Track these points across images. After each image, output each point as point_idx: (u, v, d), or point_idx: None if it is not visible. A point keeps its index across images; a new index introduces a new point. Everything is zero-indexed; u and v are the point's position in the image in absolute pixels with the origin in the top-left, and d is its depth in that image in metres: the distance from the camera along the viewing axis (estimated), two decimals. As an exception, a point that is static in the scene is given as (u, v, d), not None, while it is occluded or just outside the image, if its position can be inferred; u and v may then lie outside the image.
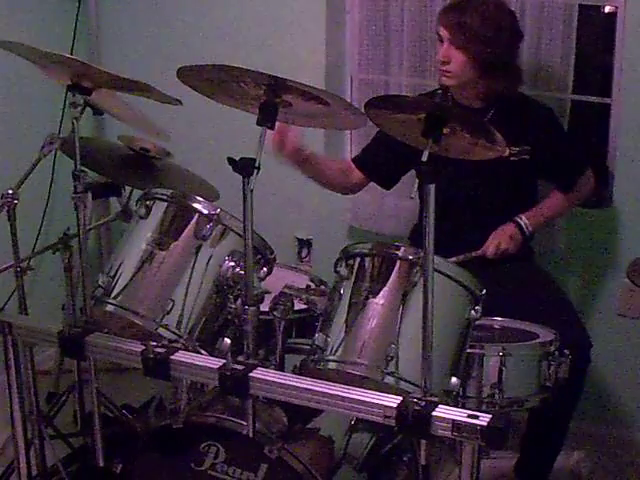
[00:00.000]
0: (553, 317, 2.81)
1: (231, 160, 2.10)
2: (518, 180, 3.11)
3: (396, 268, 2.26)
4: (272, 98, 2.15)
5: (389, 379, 2.18)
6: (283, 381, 2.13)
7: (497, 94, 3.08)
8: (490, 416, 1.97)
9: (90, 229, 2.88)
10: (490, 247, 3.03)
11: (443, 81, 3.06)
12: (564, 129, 3.32)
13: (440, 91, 3.06)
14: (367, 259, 2.31)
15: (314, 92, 2.13)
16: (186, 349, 2.31)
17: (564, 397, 2.72)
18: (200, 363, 2.21)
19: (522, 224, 3.08)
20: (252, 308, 2.18)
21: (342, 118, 2.30)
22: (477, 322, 2.33)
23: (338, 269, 2.33)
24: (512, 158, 3.02)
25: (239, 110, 2.30)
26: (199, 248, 2.41)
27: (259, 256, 2.41)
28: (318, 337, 2.27)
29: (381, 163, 3.25)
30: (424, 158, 2.00)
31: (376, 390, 2.08)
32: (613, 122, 3.42)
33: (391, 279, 2.26)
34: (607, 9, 3.41)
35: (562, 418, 2.99)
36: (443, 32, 3.02)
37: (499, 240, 3.04)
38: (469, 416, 1.97)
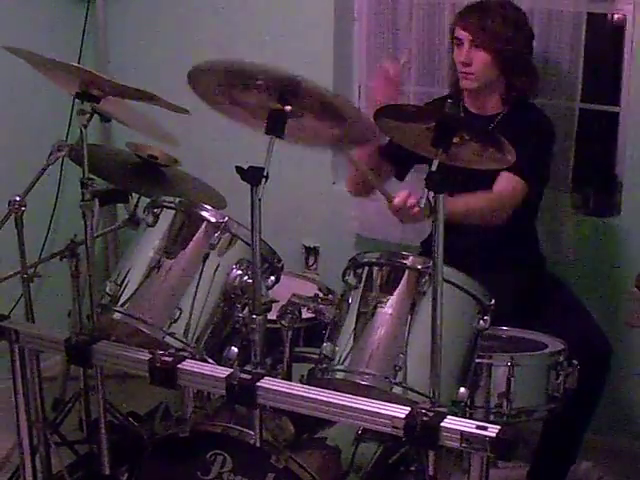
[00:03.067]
0: (569, 324, 2.79)
1: (239, 169, 2.09)
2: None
3: (405, 277, 2.26)
4: (282, 104, 2.14)
5: (397, 389, 2.18)
6: (291, 391, 2.12)
7: (513, 98, 3.09)
8: (499, 427, 1.96)
9: (97, 236, 2.87)
10: (398, 199, 2.75)
11: (465, 84, 3.07)
12: (551, 141, 3.18)
13: (449, 101, 3.04)
14: (376, 268, 2.31)
15: (326, 94, 2.12)
16: (193, 358, 2.30)
17: (582, 405, 2.71)
18: (207, 372, 2.20)
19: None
20: (260, 317, 2.18)
21: (352, 131, 2.29)
22: (485, 332, 2.32)
23: (346, 278, 2.32)
24: None
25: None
26: (207, 256, 2.41)
27: (267, 264, 2.41)
28: (326, 346, 2.26)
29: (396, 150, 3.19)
30: (434, 168, 1.99)
31: (384, 400, 2.07)
32: (621, 131, 3.41)
33: (399, 289, 2.25)
34: (616, 17, 3.40)
35: (579, 428, 2.97)
36: (462, 34, 3.04)
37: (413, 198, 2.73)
38: (478, 427, 1.96)
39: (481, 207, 2.92)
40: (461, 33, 3.05)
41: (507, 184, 2.94)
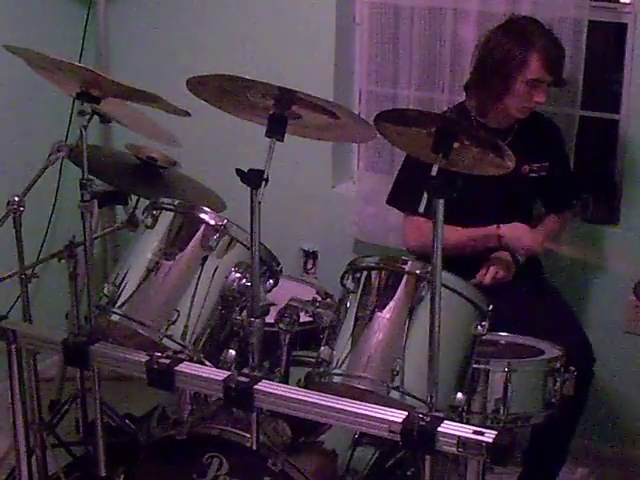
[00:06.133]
0: (558, 331, 2.80)
1: (239, 172, 2.09)
2: (532, 197, 3.11)
3: (403, 282, 2.26)
4: (281, 110, 2.15)
5: (394, 394, 2.18)
6: (288, 394, 2.12)
7: (531, 111, 3.10)
8: (495, 432, 1.96)
9: (96, 238, 2.88)
10: (487, 277, 3.00)
11: (521, 116, 3.05)
12: (567, 155, 3.32)
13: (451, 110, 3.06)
14: (374, 273, 2.31)
15: (322, 104, 2.13)
16: (191, 360, 2.30)
17: (568, 412, 2.71)
18: (205, 375, 2.20)
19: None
20: (258, 320, 2.18)
21: (351, 130, 2.30)
22: (483, 337, 2.33)
23: (345, 282, 2.32)
24: (531, 174, 3.04)
25: (248, 121, 2.30)
26: (205, 259, 2.41)
27: (265, 268, 2.41)
28: (323, 350, 2.27)
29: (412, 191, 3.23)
30: (434, 173, 2.00)
31: (381, 405, 2.07)
32: (621, 138, 3.41)
33: (398, 293, 2.25)
34: (617, 25, 3.41)
35: (566, 433, 2.98)
36: (547, 77, 2.98)
37: (496, 269, 3.02)
38: (475, 432, 1.96)
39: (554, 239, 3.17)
40: (545, 75, 2.97)
41: (564, 222, 3.25)
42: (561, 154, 3.21)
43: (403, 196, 3.17)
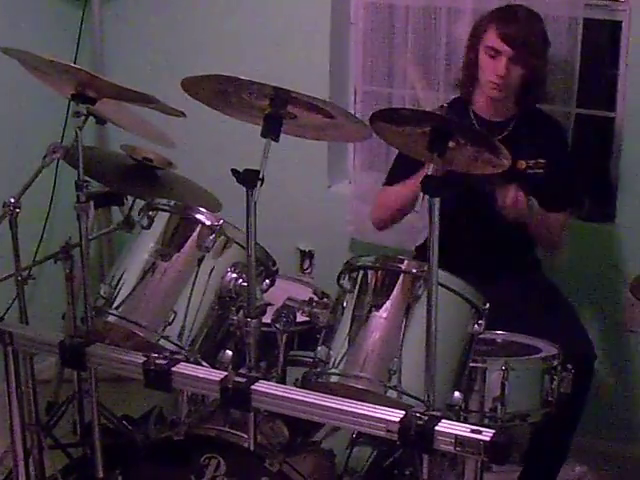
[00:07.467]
0: (557, 327, 2.80)
1: (235, 171, 2.09)
2: (528, 194, 3.09)
3: (399, 282, 2.26)
4: (276, 110, 2.15)
5: (392, 393, 2.18)
6: (285, 394, 2.12)
7: (525, 105, 3.10)
8: (493, 431, 1.95)
9: (92, 239, 2.87)
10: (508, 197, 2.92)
11: (492, 94, 3.04)
12: (568, 152, 3.29)
13: (448, 105, 3.05)
14: (370, 272, 2.31)
15: (317, 103, 2.13)
16: (187, 361, 2.30)
17: (568, 410, 2.71)
18: (202, 375, 2.20)
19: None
20: (254, 320, 2.18)
21: (346, 130, 2.30)
22: (480, 336, 2.33)
23: (341, 282, 2.32)
24: (528, 171, 3.03)
25: (243, 121, 2.30)
26: (201, 259, 2.41)
27: (262, 268, 2.41)
28: (320, 350, 2.27)
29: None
30: (429, 172, 1.99)
31: (378, 404, 2.06)
32: (617, 136, 3.41)
33: (394, 293, 2.25)
34: (612, 23, 3.41)
35: (566, 431, 2.97)
36: (503, 47, 2.97)
37: (516, 193, 2.93)
38: (472, 431, 1.95)
39: (550, 230, 3.12)
40: (501, 45, 2.97)
41: (561, 222, 3.15)
42: (560, 153, 3.17)
43: (389, 175, 3.23)
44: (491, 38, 3.00)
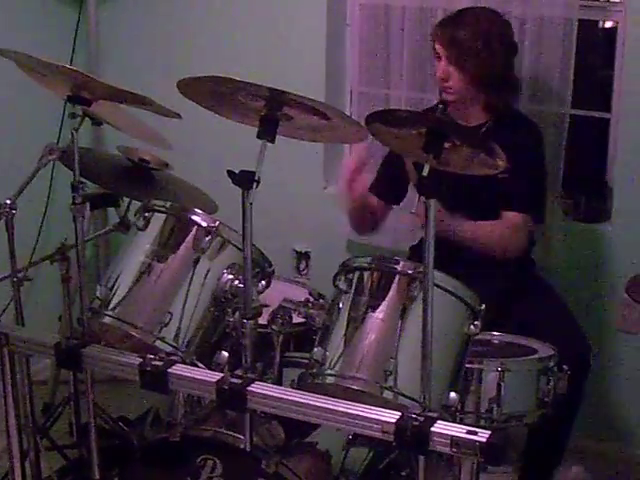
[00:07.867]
0: (552, 325, 2.80)
1: (231, 173, 2.09)
2: (500, 196, 3.06)
3: (395, 282, 2.25)
4: (272, 111, 2.15)
5: (387, 394, 2.17)
6: (281, 395, 2.12)
7: (495, 110, 3.08)
8: (489, 432, 1.96)
9: (88, 240, 2.87)
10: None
11: (445, 97, 3.05)
12: (543, 157, 3.18)
13: (441, 106, 3.04)
14: (366, 273, 2.30)
15: (313, 105, 2.13)
16: (183, 362, 2.30)
17: (564, 411, 2.71)
18: (198, 376, 2.19)
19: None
20: (250, 321, 2.18)
21: (342, 131, 2.30)
22: (476, 337, 2.33)
23: (337, 283, 2.32)
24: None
25: (239, 123, 2.30)
26: (197, 261, 2.40)
27: (258, 269, 2.40)
28: (316, 351, 2.26)
29: (389, 183, 3.24)
30: (425, 173, 2.00)
31: (374, 405, 2.06)
32: (612, 137, 3.42)
33: (390, 293, 2.25)
34: (607, 24, 3.42)
35: (562, 432, 2.98)
36: (439, 49, 3.02)
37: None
38: (468, 432, 1.95)
39: (489, 238, 3.00)
40: (438, 47, 3.02)
41: (513, 223, 3.02)
42: (529, 154, 3.05)
43: (374, 183, 3.24)
44: (433, 40, 3.06)
